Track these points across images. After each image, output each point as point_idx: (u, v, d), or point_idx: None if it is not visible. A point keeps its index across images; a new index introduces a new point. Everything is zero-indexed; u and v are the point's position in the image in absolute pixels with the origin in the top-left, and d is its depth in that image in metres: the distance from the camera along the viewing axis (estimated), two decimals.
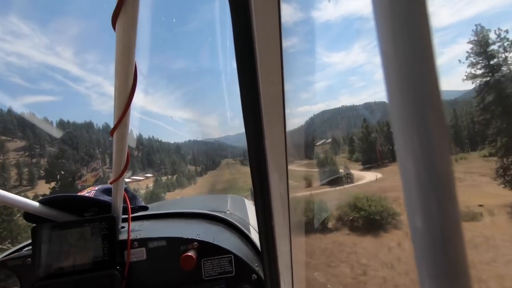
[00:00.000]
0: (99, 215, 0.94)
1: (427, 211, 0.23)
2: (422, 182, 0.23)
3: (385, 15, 0.23)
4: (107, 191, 1.03)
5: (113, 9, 0.45)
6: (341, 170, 25.35)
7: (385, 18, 0.23)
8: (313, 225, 12.77)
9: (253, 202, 0.71)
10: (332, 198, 17.03)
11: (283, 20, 0.51)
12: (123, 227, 1.01)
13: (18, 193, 0.94)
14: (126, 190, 0.99)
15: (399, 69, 0.23)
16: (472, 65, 17.86)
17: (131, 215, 1.00)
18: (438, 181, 0.22)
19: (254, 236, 1.08)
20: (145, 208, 1.15)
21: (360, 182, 22.68)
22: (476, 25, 18.01)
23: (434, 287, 0.23)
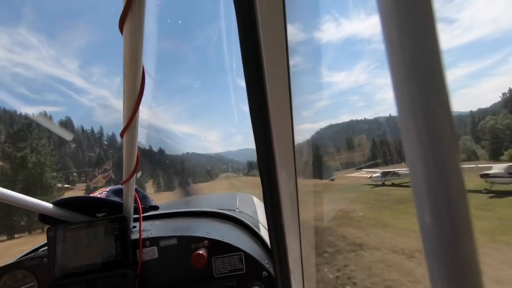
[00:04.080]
0: (111, 215, 0.95)
1: (436, 208, 0.23)
2: (431, 179, 0.23)
3: (391, 14, 0.22)
4: (118, 192, 1.05)
5: (120, 14, 0.46)
6: None
7: (391, 17, 0.23)
8: None
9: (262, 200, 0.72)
10: None
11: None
12: (134, 227, 1.03)
13: None
14: (136, 190, 1.01)
15: (406, 69, 0.22)
16: None
17: (142, 215, 1.01)
18: (446, 178, 0.22)
19: (264, 233, 1.09)
20: (155, 208, 1.17)
21: None
22: None
23: (446, 285, 0.23)
